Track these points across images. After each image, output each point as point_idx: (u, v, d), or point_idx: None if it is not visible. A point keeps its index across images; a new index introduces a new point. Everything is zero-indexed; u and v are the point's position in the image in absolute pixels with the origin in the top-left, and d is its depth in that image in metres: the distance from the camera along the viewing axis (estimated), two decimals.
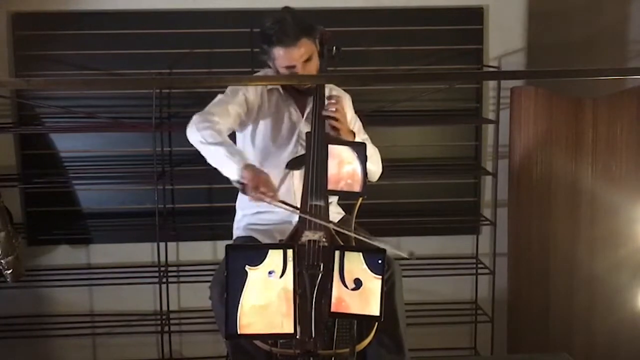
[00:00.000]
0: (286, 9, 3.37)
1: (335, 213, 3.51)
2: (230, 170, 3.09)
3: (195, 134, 3.20)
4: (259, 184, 3.01)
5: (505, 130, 4.37)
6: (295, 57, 3.27)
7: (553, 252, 4.32)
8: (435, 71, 4.37)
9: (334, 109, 3.24)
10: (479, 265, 4.50)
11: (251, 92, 3.41)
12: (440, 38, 4.35)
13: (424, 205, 4.49)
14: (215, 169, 3.16)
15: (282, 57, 3.28)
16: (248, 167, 3.07)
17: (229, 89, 3.42)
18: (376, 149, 3.52)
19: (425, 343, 4.41)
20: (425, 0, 4.33)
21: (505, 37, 4.37)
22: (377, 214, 4.33)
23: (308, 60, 3.30)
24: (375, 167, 3.53)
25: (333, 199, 3.51)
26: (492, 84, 4.42)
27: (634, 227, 4.13)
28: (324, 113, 3.25)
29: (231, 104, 3.35)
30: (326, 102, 3.30)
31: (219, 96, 3.40)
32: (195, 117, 3.26)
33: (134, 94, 4.25)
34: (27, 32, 4.17)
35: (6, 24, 4.16)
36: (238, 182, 3.07)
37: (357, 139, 3.36)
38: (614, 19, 4.65)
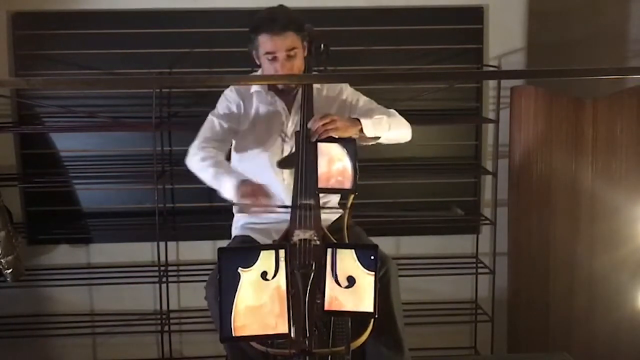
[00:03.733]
0: (280, 6, 3.38)
1: (332, 212, 3.49)
2: (227, 192, 3.13)
3: (191, 165, 3.33)
4: (257, 196, 3.04)
5: (505, 129, 4.37)
6: (279, 45, 3.25)
7: (553, 251, 4.32)
8: (435, 71, 4.37)
9: (323, 129, 3.18)
10: (479, 265, 4.49)
11: (234, 98, 3.46)
12: (440, 37, 4.34)
13: (424, 205, 4.49)
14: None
15: (266, 43, 3.27)
16: (243, 183, 3.10)
17: (217, 105, 3.50)
18: (392, 114, 3.44)
19: (425, 343, 4.41)
20: None
21: (505, 37, 4.37)
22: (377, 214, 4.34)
23: (291, 55, 3.28)
24: (401, 132, 3.46)
25: (332, 199, 3.50)
26: (492, 83, 4.41)
27: (634, 227, 4.12)
28: (318, 132, 3.19)
29: (220, 120, 3.42)
30: (312, 123, 3.22)
31: (208, 116, 3.47)
32: (190, 149, 3.37)
33: (134, 94, 4.26)
34: (27, 32, 4.18)
35: (6, 23, 4.17)
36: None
37: (371, 117, 3.31)
38: (614, 19, 4.65)
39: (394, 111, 3.47)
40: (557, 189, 4.28)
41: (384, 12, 4.31)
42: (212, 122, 3.43)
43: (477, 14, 4.35)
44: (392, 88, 4.32)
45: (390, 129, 3.35)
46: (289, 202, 3.20)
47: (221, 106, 3.48)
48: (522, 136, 4.30)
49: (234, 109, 3.45)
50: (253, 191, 3.06)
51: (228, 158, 3.51)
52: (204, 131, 3.42)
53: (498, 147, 4.43)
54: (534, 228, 4.35)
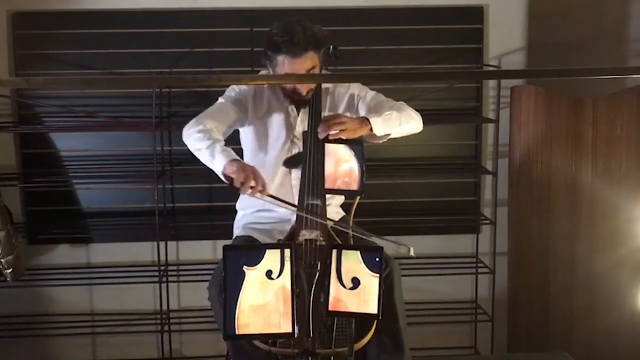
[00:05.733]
0: (298, 19, 3.33)
1: (335, 213, 3.50)
2: (217, 168, 3.09)
3: (187, 140, 3.25)
4: (246, 179, 2.97)
5: (505, 129, 4.37)
6: (299, 68, 3.22)
7: (553, 251, 4.32)
8: (435, 70, 4.38)
9: (336, 130, 3.16)
10: (479, 265, 4.49)
11: (246, 89, 3.43)
12: (440, 37, 4.34)
13: (424, 205, 4.49)
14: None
15: (286, 66, 3.23)
16: (232, 162, 3.04)
17: (227, 90, 3.47)
18: (401, 107, 3.38)
19: (425, 342, 4.42)
20: None
21: (505, 36, 4.37)
22: (377, 213, 4.34)
23: (310, 72, 3.25)
24: (411, 125, 3.39)
25: (335, 199, 3.50)
26: (492, 83, 4.41)
27: (633, 226, 4.13)
28: (326, 134, 3.18)
29: (227, 103, 3.39)
30: (321, 125, 3.20)
31: (218, 100, 3.44)
32: (189, 123, 3.29)
33: (134, 93, 4.26)
34: (27, 31, 4.17)
35: (6, 23, 4.16)
36: (225, 176, 3.04)
37: (380, 114, 3.27)
38: (614, 19, 4.65)
39: (403, 103, 3.44)
40: (557, 189, 4.28)
41: (384, 12, 4.31)
42: (220, 104, 3.41)
43: (477, 14, 4.35)
44: (392, 88, 4.32)
45: (400, 124, 3.31)
46: (295, 202, 3.19)
47: (232, 92, 3.44)
48: (522, 136, 4.30)
49: (245, 98, 3.43)
50: (239, 171, 2.99)
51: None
52: (210, 109, 3.38)
53: (498, 147, 4.43)
54: (534, 228, 4.35)
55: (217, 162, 3.08)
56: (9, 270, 3.96)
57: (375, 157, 4.27)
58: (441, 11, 4.34)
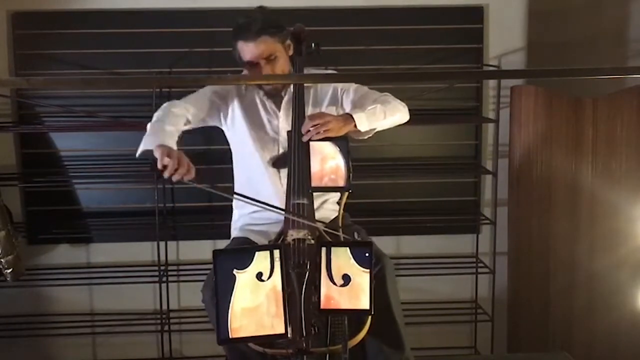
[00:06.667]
0: (259, 7, 3.39)
1: (331, 210, 3.48)
2: (140, 148, 3.10)
3: None
4: (169, 163, 2.93)
5: (505, 129, 4.36)
6: (255, 53, 3.26)
7: (553, 251, 4.32)
8: (435, 70, 4.37)
9: (319, 135, 3.16)
10: (479, 265, 4.49)
11: (226, 87, 3.46)
12: (440, 37, 4.34)
13: (424, 204, 4.49)
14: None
15: (244, 51, 3.29)
16: (159, 147, 3.01)
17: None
18: (385, 100, 3.36)
19: (426, 342, 4.41)
20: None
21: (505, 36, 4.37)
22: (377, 213, 4.34)
23: (271, 59, 3.28)
24: (397, 117, 3.36)
25: (331, 197, 3.49)
26: (492, 83, 4.41)
27: (633, 226, 4.12)
28: (310, 136, 3.17)
29: (209, 91, 3.42)
30: (305, 126, 3.19)
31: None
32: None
33: (134, 93, 4.26)
34: (27, 31, 4.18)
35: (6, 22, 4.17)
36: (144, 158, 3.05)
37: (364, 109, 3.26)
38: (614, 19, 4.64)
39: (388, 94, 3.43)
40: (557, 189, 4.27)
41: (384, 12, 4.31)
42: (200, 91, 3.44)
43: (477, 14, 4.34)
44: (392, 88, 4.31)
45: (385, 117, 3.29)
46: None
47: (213, 86, 3.47)
48: (522, 136, 4.30)
49: (227, 92, 3.45)
50: (169, 153, 2.96)
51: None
52: (189, 95, 3.42)
53: (498, 146, 4.43)
54: (534, 228, 4.35)
55: (143, 143, 3.10)
56: (9, 270, 3.97)
57: (375, 157, 4.28)
58: (441, 11, 4.33)
